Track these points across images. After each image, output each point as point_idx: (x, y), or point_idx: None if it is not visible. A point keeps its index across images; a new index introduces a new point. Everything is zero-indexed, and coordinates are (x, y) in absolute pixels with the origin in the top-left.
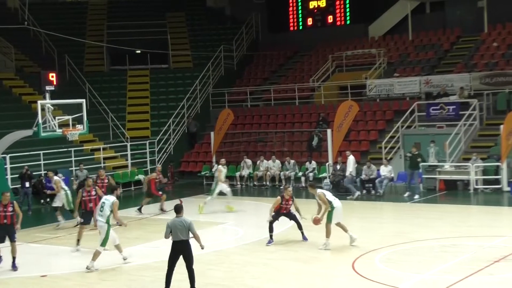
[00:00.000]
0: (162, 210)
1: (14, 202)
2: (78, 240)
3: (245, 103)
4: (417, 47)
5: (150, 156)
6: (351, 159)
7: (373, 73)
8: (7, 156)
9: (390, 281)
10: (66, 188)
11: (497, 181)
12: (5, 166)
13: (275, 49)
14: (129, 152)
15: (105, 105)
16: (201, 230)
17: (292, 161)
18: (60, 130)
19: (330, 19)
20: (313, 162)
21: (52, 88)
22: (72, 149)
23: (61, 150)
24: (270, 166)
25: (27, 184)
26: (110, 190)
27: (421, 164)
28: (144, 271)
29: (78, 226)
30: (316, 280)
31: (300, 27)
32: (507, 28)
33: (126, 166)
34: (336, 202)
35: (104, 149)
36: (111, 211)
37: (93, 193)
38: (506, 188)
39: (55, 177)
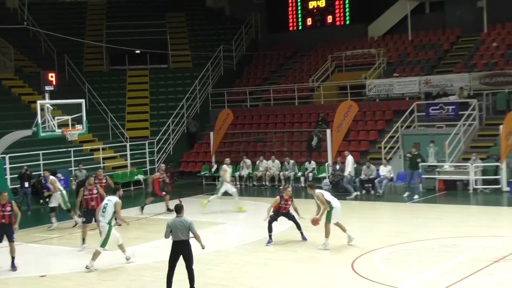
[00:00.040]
0: (168, 209)
1: (13, 201)
2: (84, 239)
3: (244, 103)
4: (416, 47)
5: (150, 156)
6: (349, 159)
7: (373, 73)
8: (7, 156)
9: (390, 281)
10: (61, 188)
11: (497, 181)
12: (5, 166)
13: (274, 49)
14: (128, 152)
15: (104, 105)
16: (201, 230)
17: (291, 161)
18: (60, 130)
19: (329, 19)
20: (313, 162)
21: (51, 88)
22: (72, 149)
23: (61, 150)
24: (270, 166)
25: (27, 184)
26: (112, 191)
27: (420, 164)
28: (144, 271)
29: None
30: (316, 280)
31: (300, 27)
32: (507, 28)
33: (125, 166)
34: (335, 202)
35: (103, 149)
36: (114, 212)
37: (95, 191)
38: (506, 188)
39: (51, 177)
